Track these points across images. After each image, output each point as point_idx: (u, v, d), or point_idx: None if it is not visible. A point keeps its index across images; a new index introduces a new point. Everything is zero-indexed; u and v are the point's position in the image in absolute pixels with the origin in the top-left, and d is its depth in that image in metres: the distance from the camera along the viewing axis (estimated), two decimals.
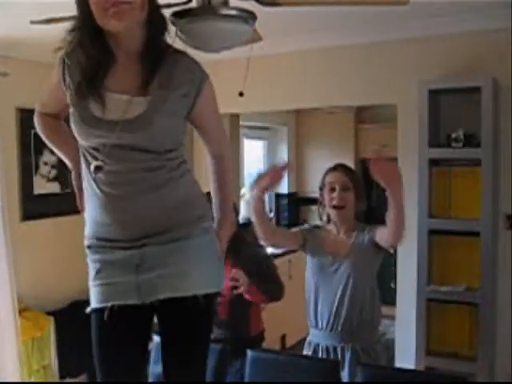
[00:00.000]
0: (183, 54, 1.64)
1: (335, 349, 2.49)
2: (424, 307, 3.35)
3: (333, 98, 4.04)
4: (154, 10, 1.57)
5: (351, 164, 6.65)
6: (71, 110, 1.60)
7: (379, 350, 2.53)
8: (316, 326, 2.55)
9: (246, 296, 2.68)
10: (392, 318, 3.82)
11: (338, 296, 2.47)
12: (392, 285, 5.00)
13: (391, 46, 3.67)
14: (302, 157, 6.87)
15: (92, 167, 1.57)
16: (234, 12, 2.04)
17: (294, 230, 2.79)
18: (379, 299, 2.58)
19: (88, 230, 1.66)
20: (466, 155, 3.31)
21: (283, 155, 6.80)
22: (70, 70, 1.62)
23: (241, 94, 2.47)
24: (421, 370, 3.24)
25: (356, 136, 6.67)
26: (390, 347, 3.58)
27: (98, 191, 1.57)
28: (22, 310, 3.69)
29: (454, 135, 3.30)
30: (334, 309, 2.47)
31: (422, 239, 3.36)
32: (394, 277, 3.90)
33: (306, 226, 2.81)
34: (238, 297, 2.67)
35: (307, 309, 2.59)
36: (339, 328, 2.47)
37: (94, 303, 1.63)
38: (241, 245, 2.66)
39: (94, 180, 1.57)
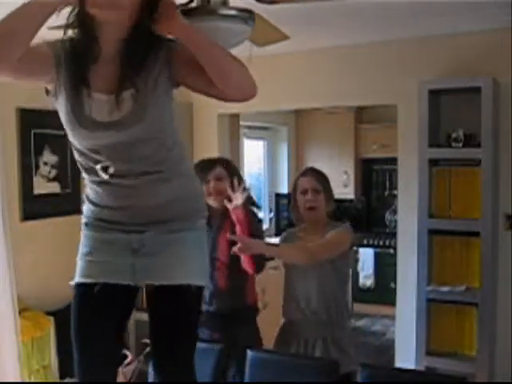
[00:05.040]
0: (161, 38, 1.60)
1: (306, 339, 2.67)
2: (424, 307, 3.35)
3: (333, 98, 4.05)
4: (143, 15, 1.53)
5: (351, 164, 6.67)
6: (64, 112, 1.59)
7: (346, 340, 2.70)
8: (290, 318, 2.74)
9: (243, 260, 2.64)
10: (392, 318, 3.82)
11: (309, 292, 2.67)
12: (392, 285, 5.01)
13: (391, 45, 3.67)
14: (302, 157, 6.87)
15: (99, 167, 1.59)
16: (233, 12, 2.05)
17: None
18: (348, 295, 2.82)
19: (87, 210, 1.69)
20: (466, 155, 3.31)
21: (283, 155, 6.81)
22: (64, 59, 1.59)
23: None
24: (421, 370, 3.24)
25: (356, 136, 6.67)
26: (390, 347, 3.58)
27: (105, 178, 1.60)
28: (22, 310, 3.69)
29: (454, 135, 3.30)
30: (305, 304, 2.67)
31: (422, 239, 3.36)
32: (394, 277, 3.91)
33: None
34: (235, 265, 2.64)
35: (282, 301, 2.79)
36: (311, 321, 2.66)
37: (84, 277, 1.66)
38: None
39: (103, 168, 1.59)
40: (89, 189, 1.68)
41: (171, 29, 1.51)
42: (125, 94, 1.54)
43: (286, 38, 2.48)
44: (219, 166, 2.75)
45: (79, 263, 1.69)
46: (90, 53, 1.56)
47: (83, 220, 1.71)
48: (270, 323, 2.95)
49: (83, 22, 1.52)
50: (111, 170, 1.58)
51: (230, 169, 2.79)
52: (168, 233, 1.65)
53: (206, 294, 2.67)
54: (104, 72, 1.56)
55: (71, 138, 1.60)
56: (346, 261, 2.73)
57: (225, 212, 2.68)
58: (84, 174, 1.67)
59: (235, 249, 2.45)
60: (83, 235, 1.71)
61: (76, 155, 1.65)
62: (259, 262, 2.66)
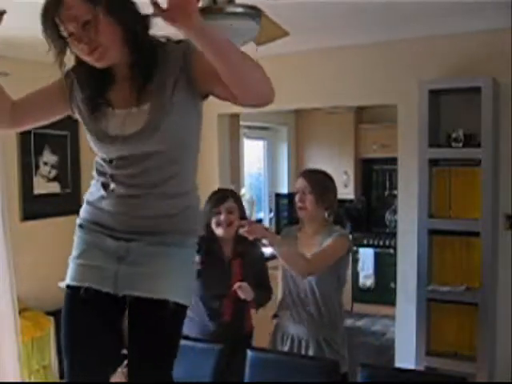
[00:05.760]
0: (166, 44, 1.59)
1: (300, 339, 2.71)
2: (424, 307, 3.35)
3: (333, 97, 4.04)
4: (134, 36, 1.52)
5: (351, 164, 6.67)
6: (85, 125, 1.65)
7: (339, 341, 2.73)
8: (285, 316, 2.78)
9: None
10: (392, 318, 3.82)
11: (303, 292, 2.71)
12: (392, 285, 5.01)
13: (391, 46, 3.67)
14: (302, 157, 6.87)
15: (105, 181, 1.63)
16: (240, 9, 2.04)
17: None
18: (342, 297, 2.84)
19: (84, 212, 1.70)
20: (466, 155, 3.31)
21: (283, 155, 6.80)
22: (77, 83, 1.64)
23: None
24: (421, 370, 3.24)
25: (356, 136, 6.67)
26: (390, 347, 3.58)
27: (111, 185, 1.61)
28: (22, 310, 3.69)
29: (454, 135, 3.30)
30: (299, 304, 2.72)
31: (422, 239, 3.36)
32: (394, 277, 3.91)
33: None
34: (239, 299, 2.78)
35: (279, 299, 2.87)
36: (304, 321, 2.70)
37: (71, 280, 1.66)
38: (249, 245, 2.81)
39: (111, 176, 1.61)
40: (94, 187, 1.68)
41: (186, 26, 1.32)
42: (141, 108, 1.55)
43: (286, 34, 2.47)
44: (231, 199, 2.87)
45: (70, 265, 1.70)
46: (103, 77, 1.59)
47: (78, 221, 1.71)
48: (266, 320, 2.98)
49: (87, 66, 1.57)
50: (112, 186, 1.60)
51: (239, 202, 2.94)
52: (157, 244, 1.60)
53: (211, 325, 2.78)
54: (119, 88, 1.59)
55: (92, 146, 1.65)
56: (343, 265, 2.75)
57: (234, 242, 2.85)
58: (94, 173, 1.68)
59: (243, 230, 2.55)
60: (76, 237, 1.71)
61: (97, 157, 1.68)
62: (260, 298, 2.84)
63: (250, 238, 2.60)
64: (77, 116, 1.67)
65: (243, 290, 2.74)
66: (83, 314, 1.64)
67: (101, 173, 1.65)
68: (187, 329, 2.26)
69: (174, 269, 1.62)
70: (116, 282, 1.60)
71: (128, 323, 1.67)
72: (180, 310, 1.63)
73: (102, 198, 1.64)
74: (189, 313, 1.72)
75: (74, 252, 1.70)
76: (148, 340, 1.62)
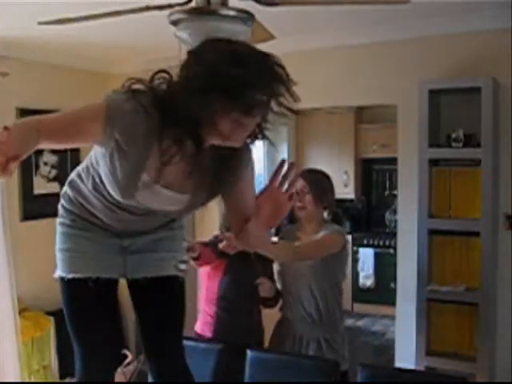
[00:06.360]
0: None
1: (301, 338, 2.73)
2: (424, 307, 3.35)
3: (333, 98, 4.04)
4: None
5: (351, 164, 6.68)
6: (116, 171, 1.47)
7: (339, 340, 2.75)
8: (285, 314, 2.81)
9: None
10: (392, 318, 3.82)
11: (299, 291, 2.73)
12: (392, 285, 5.01)
13: (391, 45, 3.67)
14: (302, 157, 6.87)
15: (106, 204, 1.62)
16: (233, 12, 2.05)
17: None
18: (341, 296, 2.84)
19: (78, 212, 1.70)
20: (466, 155, 3.31)
21: (283, 155, 6.80)
22: (137, 125, 1.41)
23: None
24: (421, 370, 3.24)
25: (356, 136, 6.67)
26: (390, 347, 3.58)
27: (114, 210, 1.63)
28: (22, 310, 3.70)
29: (454, 135, 3.30)
30: (298, 302, 2.74)
31: (422, 239, 3.36)
32: (394, 277, 3.91)
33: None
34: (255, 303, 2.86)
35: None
36: (303, 320, 2.72)
37: (75, 273, 1.69)
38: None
39: (111, 203, 1.60)
40: (94, 199, 1.64)
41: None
42: (187, 195, 1.56)
43: (272, 37, 2.48)
44: None
45: (64, 257, 1.72)
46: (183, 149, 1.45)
47: (70, 217, 1.71)
48: (270, 317, 3.00)
49: (196, 127, 1.40)
50: (117, 211, 1.63)
51: None
52: (158, 232, 1.75)
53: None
54: (176, 168, 1.48)
55: (108, 187, 1.54)
56: (337, 262, 2.75)
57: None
58: (96, 193, 1.62)
59: (222, 245, 2.61)
60: (66, 232, 1.72)
61: (94, 170, 1.60)
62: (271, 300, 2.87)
63: (230, 252, 2.66)
64: (103, 148, 1.47)
65: (264, 287, 2.78)
66: (92, 301, 1.72)
67: (99, 192, 1.60)
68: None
69: (175, 247, 1.80)
70: (125, 268, 1.73)
71: (141, 302, 1.82)
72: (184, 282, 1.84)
73: (102, 210, 1.65)
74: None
75: (67, 245, 1.72)
76: (168, 309, 1.80)
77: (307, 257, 2.64)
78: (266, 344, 2.95)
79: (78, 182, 1.68)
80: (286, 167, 1.56)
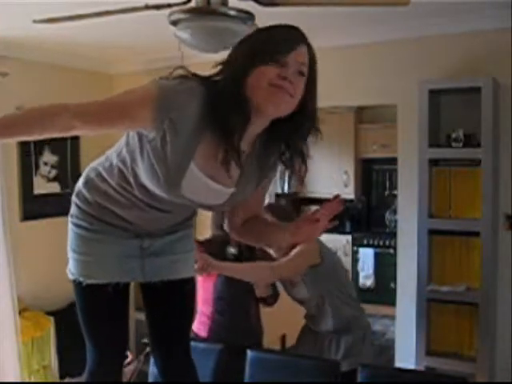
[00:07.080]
0: None
1: (324, 335, 2.75)
2: (424, 307, 3.35)
3: (333, 98, 4.03)
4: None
5: (351, 164, 6.67)
6: (161, 163, 1.43)
7: (357, 339, 2.73)
8: (308, 312, 2.87)
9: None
10: (392, 318, 3.82)
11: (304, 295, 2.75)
12: (392, 285, 5.01)
13: (391, 45, 3.67)
14: None
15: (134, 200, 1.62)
16: (232, 12, 2.05)
17: None
18: (346, 299, 2.80)
19: (96, 214, 1.68)
20: (466, 155, 3.31)
21: None
22: (184, 118, 1.38)
23: None
24: (421, 370, 3.24)
25: (356, 136, 6.66)
26: (390, 347, 3.58)
27: (142, 208, 1.62)
28: (22, 310, 3.70)
29: (453, 135, 3.30)
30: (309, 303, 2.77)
31: (422, 239, 3.36)
32: (394, 277, 3.91)
33: None
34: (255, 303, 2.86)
35: None
36: (317, 317, 2.77)
37: (92, 278, 1.70)
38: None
39: (141, 200, 1.59)
40: (121, 198, 1.62)
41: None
42: (231, 188, 1.56)
43: None
44: None
45: (80, 260, 1.70)
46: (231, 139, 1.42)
47: (87, 219, 1.69)
48: (270, 317, 3.03)
49: (240, 103, 1.39)
50: (143, 207, 1.62)
51: None
52: (175, 232, 1.78)
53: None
54: (227, 167, 1.48)
55: (146, 182, 1.52)
56: (324, 264, 2.70)
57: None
58: (124, 191, 1.60)
59: (197, 265, 2.51)
60: (83, 235, 1.69)
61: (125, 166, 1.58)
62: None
63: (200, 275, 2.61)
64: (154, 133, 1.40)
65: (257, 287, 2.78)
66: (108, 304, 1.75)
67: (127, 190, 1.59)
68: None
69: (189, 248, 1.85)
70: (143, 271, 1.74)
71: (153, 301, 1.86)
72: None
73: (124, 207, 1.64)
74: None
75: (84, 248, 1.70)
76: (180, 309, 1.86)
77: (285, 275, 2.66)
78: (266, 345, 2.95)
79: (97, 181, 1.64)
80: (335, 201, 1.60)
